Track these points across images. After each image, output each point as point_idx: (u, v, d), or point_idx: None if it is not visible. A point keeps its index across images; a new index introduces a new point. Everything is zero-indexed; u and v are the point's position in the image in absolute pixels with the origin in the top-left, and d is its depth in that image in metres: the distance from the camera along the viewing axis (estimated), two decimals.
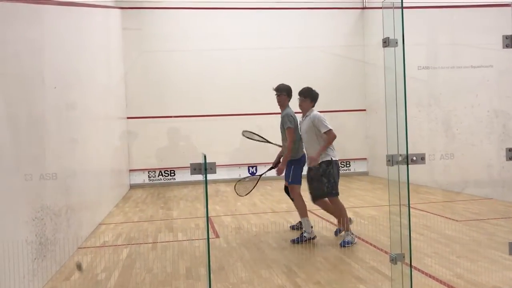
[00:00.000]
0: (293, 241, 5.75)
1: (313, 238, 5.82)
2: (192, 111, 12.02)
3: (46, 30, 5.07)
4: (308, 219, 5.95)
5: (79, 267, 4.90)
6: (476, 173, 8.70)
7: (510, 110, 6.08)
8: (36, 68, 4.72)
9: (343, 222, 5.62)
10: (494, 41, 3.98)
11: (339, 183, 5.74)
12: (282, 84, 6.46)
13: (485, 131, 8.41)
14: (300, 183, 6.17)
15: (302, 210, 5.99)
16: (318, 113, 5.87)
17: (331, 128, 5.67)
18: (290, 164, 6.18)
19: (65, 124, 5.69)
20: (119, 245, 6.00)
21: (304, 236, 5.76)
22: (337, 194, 5.71)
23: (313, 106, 6.03)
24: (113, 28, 10.63)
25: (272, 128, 12.58)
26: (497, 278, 4.11)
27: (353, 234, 5.60)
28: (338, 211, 5.77)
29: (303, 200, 6.05)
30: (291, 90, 6.42)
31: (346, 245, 5.42)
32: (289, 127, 6.07)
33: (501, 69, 7.39)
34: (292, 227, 6.59)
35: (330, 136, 5.63)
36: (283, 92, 6.36)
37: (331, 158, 5.67)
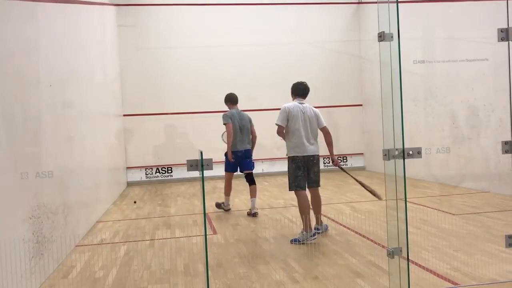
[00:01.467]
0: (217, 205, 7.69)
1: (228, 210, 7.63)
2: (189, 108, 12.00)
3: (41, 28, 5.05)
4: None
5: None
6: (472, 167, 8.72)
7: (506, 103, 6.09)
8: (31, 66, 4.70)
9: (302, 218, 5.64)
10: (489, 35, 3.98)
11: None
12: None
13: (482, 125, 8.43)
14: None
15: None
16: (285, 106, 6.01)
17: (277, 124, 5.92)
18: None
19: (61, 122, 5.67)
20: (116, 242, 6.00)
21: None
22: (298, 188, 5.71)
23: (293, 99, 6.17)
24: (108, 25, 10.59)
25: (268, 124, 12.60)
26: (494, 271, 4.13)
27: (306, 233, 5.48)
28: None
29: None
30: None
31: (293, 242, 5.41)
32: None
33: (497, 62, 7.40)
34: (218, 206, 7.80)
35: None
36: None
37: (287, 155, 5.94)
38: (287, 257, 4.90)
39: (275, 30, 12.68)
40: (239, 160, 7.48)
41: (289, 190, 5.81)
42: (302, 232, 5.52)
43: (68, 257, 5.30)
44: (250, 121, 7.70)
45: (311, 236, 5.53)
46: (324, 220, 6.64)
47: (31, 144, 4.52)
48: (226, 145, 7.59)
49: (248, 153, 7.53)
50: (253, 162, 7.68)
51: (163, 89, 12.20)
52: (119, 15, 11.85)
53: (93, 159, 7.68)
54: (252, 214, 7.22)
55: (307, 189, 5.83)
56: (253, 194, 7.40)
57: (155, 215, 7.82)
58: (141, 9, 12.28)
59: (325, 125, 6.05)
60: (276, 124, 5.86)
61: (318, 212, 5.85)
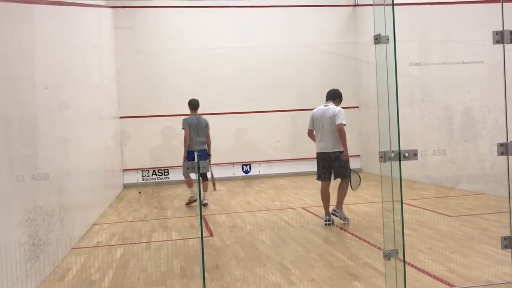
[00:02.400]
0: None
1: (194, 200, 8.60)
2: (185, 110, 11.94)
3: (37, 30, 5.04)
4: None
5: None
6: (468, 168, 8.75)
7: (501, 105, 6.12)
8: (27, 68, 4.69)
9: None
10: (484, 37, 4.00)
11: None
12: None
13: (478, 126, 8.46)
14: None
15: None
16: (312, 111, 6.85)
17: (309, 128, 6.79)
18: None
19: (57, 124, 5.66)
20: (113, 245, 5.99)
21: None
22: (318, 179, 6.68)
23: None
24: (105, 27, 10.59)
25: (264, 125, 12.62)
26: (490, 272, 4.14)
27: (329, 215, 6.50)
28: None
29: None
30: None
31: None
32: None
33: (492, 64, 7.43)
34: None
35: None
36: None
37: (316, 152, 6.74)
38: (284, 259, 4.90)
39: (272, 32, 12.69)
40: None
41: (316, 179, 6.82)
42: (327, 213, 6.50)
43: (64, 260, 5.28)
44: (207, 125, 8.74)
45: (325, 220, 6.40)
46: (321, 222, 6.65)
47: (27, 147, 4.51)
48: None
49: (203, 153, 8.46)
50: (209, 161, 8.44)
51: (160, 91, 12.19)
52: (116, 17, 11.84)
53: (90, 161, 7.67)
54: (203, 204, 8.52)
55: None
56: (205, 188, 8.68)
57: (152, 217, 7.80)
58: (138, 11, 12.28)
59: (339, 123, 6.43)
60: (309, 128, 6.78)
61: (339, 199, 6.56)
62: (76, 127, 6.70)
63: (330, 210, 6.55)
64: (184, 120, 8.59)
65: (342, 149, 6.48)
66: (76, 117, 6.72)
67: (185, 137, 8.44)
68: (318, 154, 6.63)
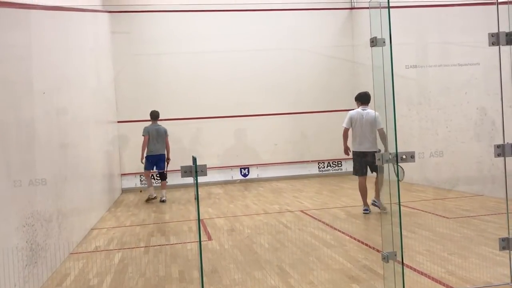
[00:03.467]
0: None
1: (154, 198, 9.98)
2: (183, 114, 12.00)
3: (34, 35, 5.04)
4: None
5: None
6: (466, 170, 8.76)
7: (498, 106, 6.13)
8: (24, 73, 4.69)
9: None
10: (480, 39, 4.02)
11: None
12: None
13: (475, 128, 8.48)
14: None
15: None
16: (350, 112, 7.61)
17: (343, 126, 7.57)
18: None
19: (54, 129, 5.65)
20: (111, 249, 5.98)
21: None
22: (356, 174, 7.56)
23: (358, 106, 7.60)
24: (102, 32, 10.59)
25: (261, 128, 12.63)
26: (489, 274, 4.15)
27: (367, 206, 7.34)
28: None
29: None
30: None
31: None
32: None
33: (488, 67, 7.45)
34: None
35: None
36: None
37: (352, 150, 7.49)
38: (282, 263, 4.90)
39: (268, 35, 12.72)
40: (155, 162, 9.92)
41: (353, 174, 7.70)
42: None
43: (62, 265, 5.27)
44: (166, 132, 9.98)
45: (364, 210, 7.30)
46: (319, 224, 6.67)
47: (24, 152, 4.50)
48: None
49: (161, 157, 9.91)
50: (167, 164, 10.02)
51: (157, 95, 12.19)
52: (113, 22, 11.85)
53: (87, 166, 7.66)
54: (162, 201, 9.86)
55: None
56: (163, 187, 10.07)
57: (150, 222, 7.79)
58: (134, 16, 12.28)
59: (381, 127, 7.08)
60: (343, 126, 7.54)
61: (378, 191, 7.28)
62: (73, 131, 6.69)
63: (369, 202, 7.39)
64: (144, 128, 9.91)
65: (377, 149, 7.16)
66: (73, 122, 6.72)
67: (143, 142, 9.80)
68: (357, 152, 7.37)
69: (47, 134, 5.29)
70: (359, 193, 7.48)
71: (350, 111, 7.57)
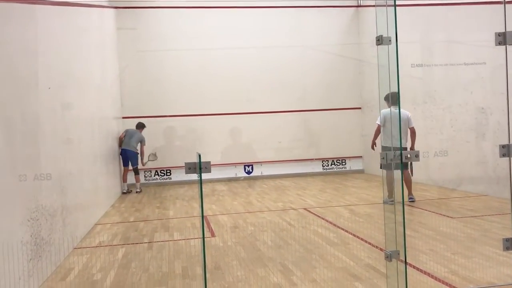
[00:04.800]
0: None
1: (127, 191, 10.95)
2: (188, 110, 12.02)
3: (40, 30, 5.06)
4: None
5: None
6: (471, 170, 8.73)
7: (504, 106, 6.11)
8: (30, 68, 4.71)
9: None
10: (487, 38, 4.00)
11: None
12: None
13: (480, 128, 8.44)
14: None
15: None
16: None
17: (377, 122, 7.81)
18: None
19: (60, 124, 5.68)
20: (115, 245, 6.00)
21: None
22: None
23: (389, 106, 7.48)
24: (108, 27, 10.61)
25: (265, 125, 12.63)
26: (492, 274, 4.14)
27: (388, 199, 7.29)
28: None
29: None
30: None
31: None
32: None
33: (495, 66, 7.42)
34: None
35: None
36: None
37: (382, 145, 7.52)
38: (285, 260, 4.90)
39: (275, 33, 12.70)
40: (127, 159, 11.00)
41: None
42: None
43: (66, 260, 5.30)
44: (142, 140, 11.06)
45: (391, 201, 7.06)
46: (322, 222, 6.68)
47: (29, 147, 4.52)
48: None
49: (131, 153, 10.90)
50: (137, 160, 11.03)
51: (162, 91, 12.22)
52: (119, 18, 11.87)
53: (92, 161, 7.69)
54: (137, 192, 10.98)
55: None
56: (137, 180, 11.14)
57: (154, 218, 7.82)
58: (140, 12, 12.31)
59: (412, 126, 7.75)
60: (377, 123, 7.82)
61: (407, 187, 7.74)
62: (79, 127, 6.72)
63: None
64: (126, 130, 11.10)
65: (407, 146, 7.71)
66: (79, 117, 6.74)
67: (120, 137, 10.95)
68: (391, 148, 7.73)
69: (52, 130, 5.31)
70: (362, 191, 7.49)
71: (382, 110, 7.70)
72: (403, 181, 7.69)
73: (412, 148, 7.79)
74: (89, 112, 7.69)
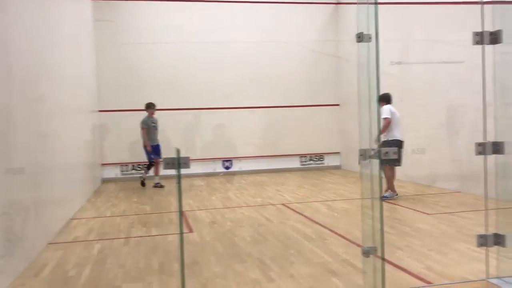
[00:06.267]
0: None
1: None
2: (165, 105, 11.88)
3: (12, 20, 4.91)
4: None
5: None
6: (446, 167, 8.88)
7: (479, 105, 6.22)
8: (1, 59, 4.56)
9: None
10: (464, 38, 4.05)
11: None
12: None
13: (456, 126, 8.58)
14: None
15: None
16: (384, 107, 7.93)
17: (386, 116, 7.84)
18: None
19: (33, 117, 5.53)
20: (90, 240, 5.91)
21: None
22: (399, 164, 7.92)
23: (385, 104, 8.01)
24: (85, 19, 10.41)
25: (244, 121, 12.60)
26: (466, 269, 4.21)
27: (392, 193, 7.97)
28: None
29: None
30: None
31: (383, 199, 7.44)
32: None
33: (471, 65, 7.52)
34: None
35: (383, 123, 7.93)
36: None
37: (387, 139, 7.83)
38: (263, 256, 4.90)
39: (253, 28, 12.67)
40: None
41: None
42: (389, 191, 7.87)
43: (40, 255, 5.19)
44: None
45: (395, 195, 7.95)
46: (301, 218, 6.69)
47: (0, 140, 4.39)
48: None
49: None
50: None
51: (140, 85, 12.06)
52: (96, 9, 11.66)
53: (67, 155, 7.54)
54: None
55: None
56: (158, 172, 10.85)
57: (131, 213, 7.72)
58: (119, 4, 12.11)
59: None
60: (385, 118, 7.83)
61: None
62: (53, 120, 6.57)
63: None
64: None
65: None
66: (54, 110, 6.59)
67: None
68: (401, 142, 7.89)
69: (25, 122, 5.17)
70: (339, 187, 7.54)
71: (387, 106, 7.96)
72: (389, 178, 7.85)
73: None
74: (65, 105, 7.54)
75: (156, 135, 10.71)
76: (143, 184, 10.70)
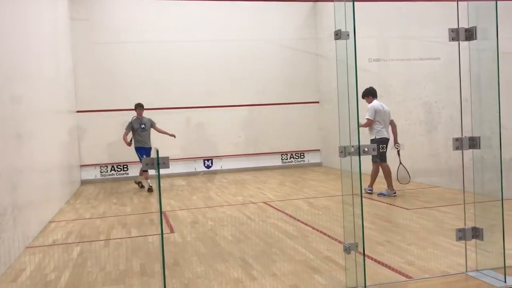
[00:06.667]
0: None
1: None
2: (145, 104, 11.77)
3: None
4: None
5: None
6: (424, 162, 9.00)
7: (456, 101, 6.32)
8: None
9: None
10: (441, 34, 4.10)
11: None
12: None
13: (433, 122, 8.70)
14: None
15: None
16: (370, 105, 7.96)
17: (368, 117, 7.82)
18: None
19: (8, 119, 5.41)
20: (70, 243, 5.82)
21: None
22: (375, 161, 7.93)
23: (369, 102, 8.03)
24: (61, 18, 10.23)
25: (224, 119, 12.57)
26: (446, 263, 4.27)
27: (390, 191, 7.95)
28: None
29: None
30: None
31: (379, 196, 7.85)
32: None
33: (448, 61, 7.64)
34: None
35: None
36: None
37: (375, 137, 7.82)
38: (245, 255, 4.89)
39: (232, 26, 12.64)
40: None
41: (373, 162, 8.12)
42: (387, 190, 7.92)
43: (17, 260, 5.08)
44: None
45: (394, 193, 7.90)
46: (282, 215, 6.70)
47: None
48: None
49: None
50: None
51: (118, 85, 11.93)
52: (72, 8, 11.49)
53: (45, 157, 7.40)
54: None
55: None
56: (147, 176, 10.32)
57: (110, 214, 7.63)
58: (95, 2, 11.94)
59: (392, 119, 8.05)
60: (367, 118, 7.80)
61: (388, 180, 8.00)
62: (29, 121, 6.44)
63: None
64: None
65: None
66: (29, 111, 6.46)
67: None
68: (387, 140, 7.87)
69: (0, 124, 5.06)
70: (320, 184, 7.58)
71: (372, 104, 7.89)
72: (381, 174, 8.02)
73: (395, 140, 8.06)
74: (41, 106, 7.40)
75: (146, 137, 9.96)
76: (150, 190, 9.88)
